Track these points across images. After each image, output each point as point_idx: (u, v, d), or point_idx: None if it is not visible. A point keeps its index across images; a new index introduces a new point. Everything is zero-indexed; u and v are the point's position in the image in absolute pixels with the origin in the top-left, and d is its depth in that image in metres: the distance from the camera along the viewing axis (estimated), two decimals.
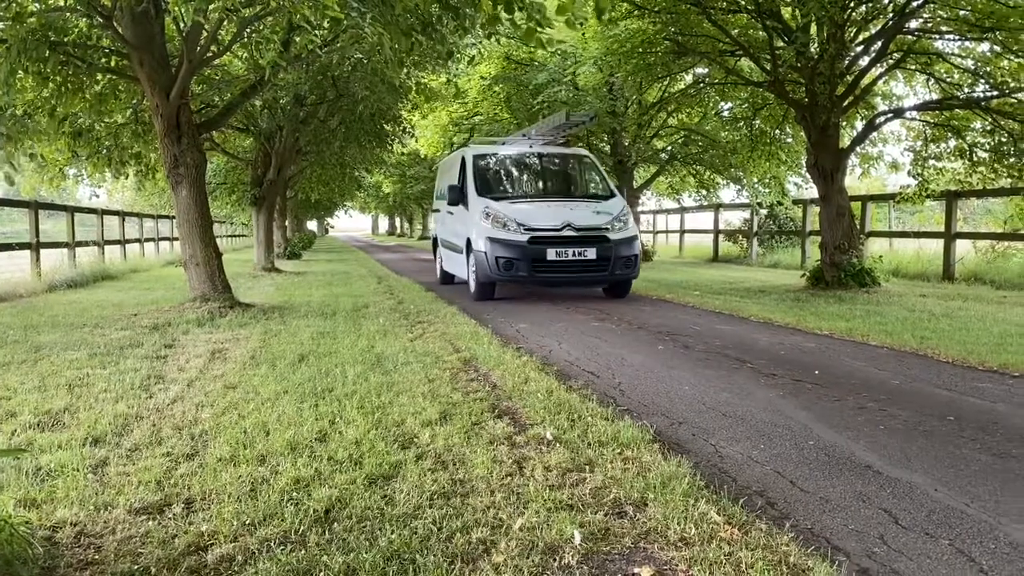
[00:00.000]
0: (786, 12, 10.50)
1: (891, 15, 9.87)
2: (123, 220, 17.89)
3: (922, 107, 11.05)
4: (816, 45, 10.29)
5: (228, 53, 9.58)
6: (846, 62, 10.47)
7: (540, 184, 10.92)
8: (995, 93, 9.87)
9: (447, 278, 12.05)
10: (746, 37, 10.98)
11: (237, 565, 2.22)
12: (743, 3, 10.21)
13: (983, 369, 5.17)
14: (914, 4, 9.61)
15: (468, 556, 2.28)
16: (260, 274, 14.70)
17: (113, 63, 8.47)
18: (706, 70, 13.60)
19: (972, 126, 10.73)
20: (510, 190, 10.47)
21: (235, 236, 35.16)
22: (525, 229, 9.07)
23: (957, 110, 10.44)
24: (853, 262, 10.48)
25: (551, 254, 8.99)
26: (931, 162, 11.41)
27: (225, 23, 8.10)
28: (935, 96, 10.99)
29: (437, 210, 12.90)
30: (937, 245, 13.03)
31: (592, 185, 10.74)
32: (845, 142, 11.52)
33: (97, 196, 19.48)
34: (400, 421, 3.68)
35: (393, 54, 7.23)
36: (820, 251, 11.08)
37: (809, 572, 2.18)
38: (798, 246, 17.37)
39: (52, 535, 2.42)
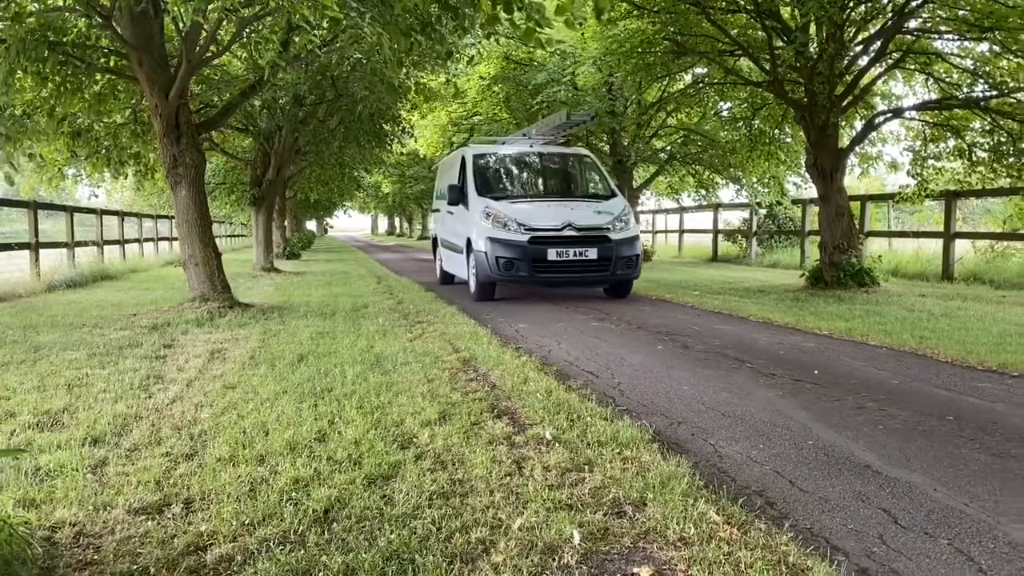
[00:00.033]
0: (785, 12, 10.50)
1: (890, 15, 9.88)
2: (122, 220, 17.88)
3: (921, 107, 11.06)
4: (815, 45, 10.29)
5: (227, 53, 9.57)
6: (845, 62, 10.47)
7: (541, 184, 10.89)
8: (994, 93, 9.88)
9: (447, 278, 12.04)
10: (745, 37, 10.98)
11: (236, 565, 2.22)
12: (742, 3, 10.21)
13: (982, 369, 5.17)
14: (913, 4, 9.60)
15: (467, 556, 2.28)
16: (259, 274, 14.70)
17: (112, 63, 8.47)
18: (705, 70, 13.61)
19: (971, 126, 10.73)
20: (511, 190, 10.44)
21: (234, 236, 35.16)
22: (526, 229, 9.05)
23: (956, 110, 10.44)
24: (852, 262, 10.48)
25: (552, 254, 8.97)
26: (930, 162, 11.42)
27: (224, 23, 8.10)
28: (934, 96, 11.00)
29: (437, 210, 12.89)
30: (936, 245, 13.03)
31: (593, 185, 10.73)
32: (844, 142, 11.52)
33: (96, 196, 19.49)
34: (399, 421, 3.68)
35: (392, 54, 7.22)
36: (819, 251, 11.08)
37: (808, 572, 2.18)
38: (797, 246, 17.38)
39: (51, 535, 2.42)
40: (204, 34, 7.83)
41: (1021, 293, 10.22)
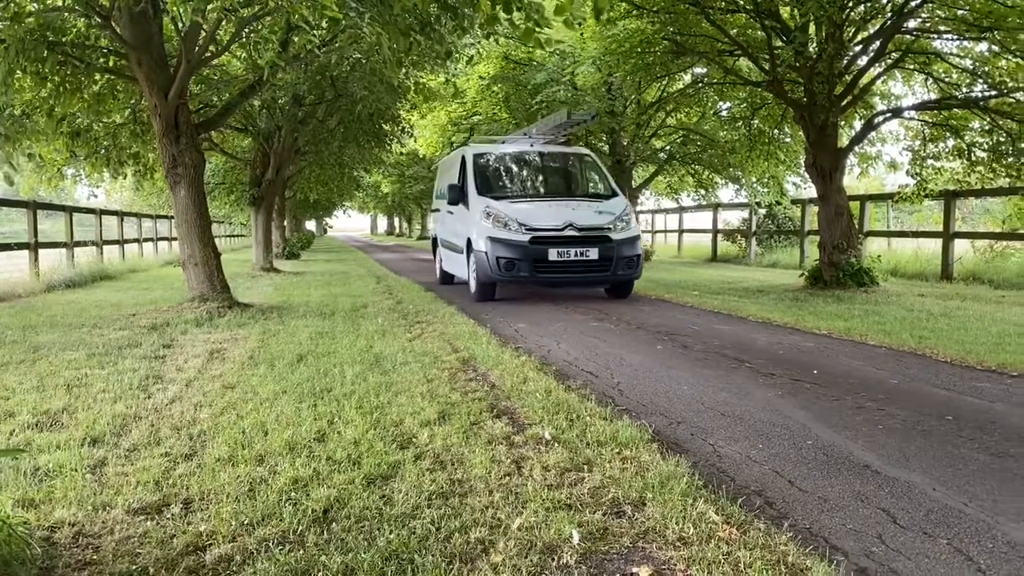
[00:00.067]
0: (784, 12, 10.50)
1: (889, 15, 9.88)
2: (121, 220, 17.88)
3: (920, 107, 11.06)
4: (815, 45, 10.29)
5: (226, 53, 9.57)
6: (844, 62, 10.47)
7: (541, 183, 10.86)
8: (993, 93, 9.88)
9: (447, 278, 12.02)
10: (745, 37, 10.98)
11: (235, 565, 2.22)
12: (742, 3, 10.21)
13: (981, 369, 5.17)
14: (912, 4, 9.61)
15: (466, 556, 2.28)
16: (259, 274, 14.70)
17: (111, 63, 8.46)
18: (705, 70, 13.61)
19: (970, 126, 10.74)
20: (511, 189, 10.42)
21: (233, 236, 35.15)
22: (526, 229, 9.03)
23: (955, 110, 10.44)
24: (851, 262, 10.48)
25: (553, 254, 8.95)
26: (929, 162, 11.42)
27: (223, 23, 8.09)
28: (933, 96, 11.00)
29: (437, 210, 12.87)
30: (935, 245, 13.04)
31: (594, 184, 10.71)
32: (843, 142, 11.52)
33: (95, 196, 19.52)
34: (399, 421, 3.68)
35: (391, 54, 7.22)
36: (818, 251, 11.09)
37: (807, 572, 2.18)
38: (796, 246, 17.38)
39: (50, 535, 2.42)
40: (203, 34, 7.82)
41: (1020, 293, 10.23)
